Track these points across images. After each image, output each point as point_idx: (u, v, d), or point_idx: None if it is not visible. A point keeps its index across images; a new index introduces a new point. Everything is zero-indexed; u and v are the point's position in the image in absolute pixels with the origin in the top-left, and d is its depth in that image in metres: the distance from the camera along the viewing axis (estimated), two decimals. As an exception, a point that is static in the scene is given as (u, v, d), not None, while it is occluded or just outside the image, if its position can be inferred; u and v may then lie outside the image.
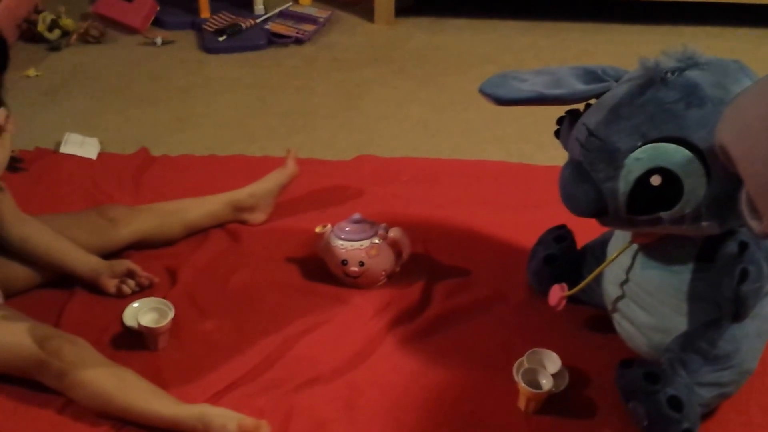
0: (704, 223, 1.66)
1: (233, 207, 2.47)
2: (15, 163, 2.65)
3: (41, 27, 3.63)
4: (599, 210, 1.71)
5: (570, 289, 1.95)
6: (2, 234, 2.14)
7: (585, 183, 1.70)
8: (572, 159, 1.75)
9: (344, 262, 2.22)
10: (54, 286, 2.24)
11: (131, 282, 2.22)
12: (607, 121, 1.67)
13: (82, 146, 2.89)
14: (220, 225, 2.47)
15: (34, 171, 2.65)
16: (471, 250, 2.41)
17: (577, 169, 1.71)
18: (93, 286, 2.22)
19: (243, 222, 2.49)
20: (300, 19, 3.84)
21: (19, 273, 2.18)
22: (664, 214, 1.65)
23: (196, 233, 2.44)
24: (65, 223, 2.23)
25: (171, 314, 2.07)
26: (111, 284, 2.21)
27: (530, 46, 3.66)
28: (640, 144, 1.62)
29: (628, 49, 3.54)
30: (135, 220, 2.33)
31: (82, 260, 2.20)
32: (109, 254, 2.28)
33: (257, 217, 2.49)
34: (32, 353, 1.87)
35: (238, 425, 1.80)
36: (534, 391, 1.87)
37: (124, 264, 2.23)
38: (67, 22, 3.70)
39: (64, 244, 2.19)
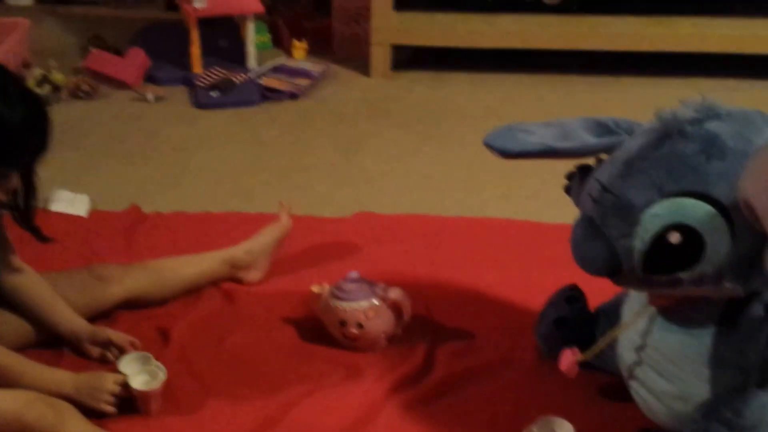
0: (727, 284, 1.58)
1: (230, 265, 2.41)
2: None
3: (31, 83, 3.54)
4: (613, 269, 1.64)
5: (583, 353, 1.86)
6: None
7: (598, 240, 1.63)
8: (584, 215, 1.69)
9: (342, 324, 2.16)
10: (44, 348, 2.17)
11: (114, 350, 2.16)
12: (622, 175, 1.61)
13: (72, 203, 2.84)
14: (215, 283, 2.41)
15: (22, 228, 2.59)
16: (476, 312, 2.33)
17: (589, 225, 1.66)
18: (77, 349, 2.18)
19: (238, 280, 2.43)
20: (294, 73, 3.79)
21: (14, 329, 2.12)
22: (683, 274, 1.57)
23: (190, 292, 2.38)
24: (55, 281, 2.19)
25: (162, 376, 2.01)
26: (94, 350, 2.17)
27: (536, 100, 3.60)
28: (657, 199, 1.55)
29: (638, 102, 3.46)
30: (127, 279, 2.29)
31: (66, 321, 2.15)
32: (100, 313, 2.25)
33: (254, 275, 2.43)
34: (15, 418, 1.83)
35: None
36: (545, 461, 1.78)
37: (105, 333, 2.16)
38: (57, 77, 3.63)
39: (53, 301, 2.15)
